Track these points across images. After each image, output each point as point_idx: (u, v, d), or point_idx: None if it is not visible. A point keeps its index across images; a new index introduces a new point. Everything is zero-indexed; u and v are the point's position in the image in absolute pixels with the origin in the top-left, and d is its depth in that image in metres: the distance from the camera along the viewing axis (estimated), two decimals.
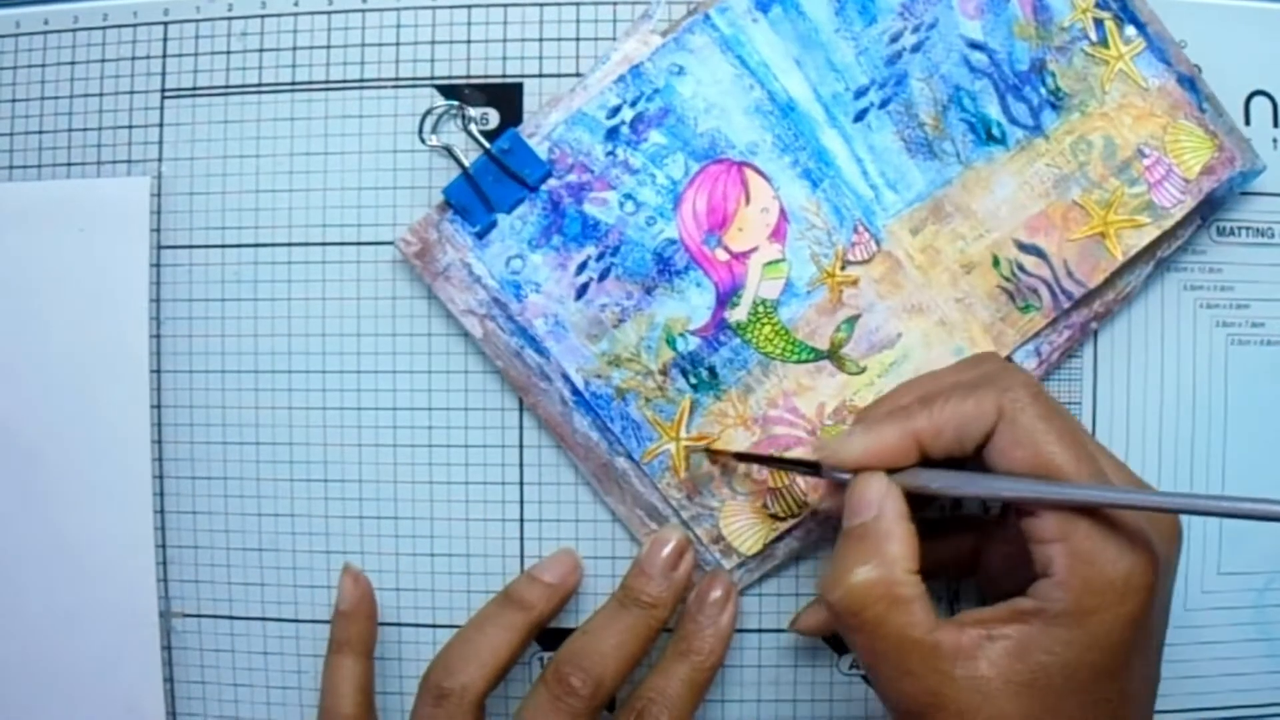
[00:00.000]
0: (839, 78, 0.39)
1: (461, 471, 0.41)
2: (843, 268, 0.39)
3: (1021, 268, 0.39)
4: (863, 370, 0.40)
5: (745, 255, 0.39)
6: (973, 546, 0.38)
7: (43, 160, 0.42)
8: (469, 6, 0.41)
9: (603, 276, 0.39)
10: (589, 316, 0.39)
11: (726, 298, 0.39)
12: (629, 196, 0.39)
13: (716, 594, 0.39)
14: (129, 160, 0.42)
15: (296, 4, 0.41)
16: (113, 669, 0.42)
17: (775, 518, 0.40)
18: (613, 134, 0.39)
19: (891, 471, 0.33)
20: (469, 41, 0.41)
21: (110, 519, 0.41)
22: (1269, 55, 0.41)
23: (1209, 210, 0.40)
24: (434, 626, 0.41)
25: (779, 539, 0.40)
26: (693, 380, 0.39)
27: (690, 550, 0.39)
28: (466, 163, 0.40)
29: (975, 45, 0.39)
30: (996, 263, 0.39)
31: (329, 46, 0.41)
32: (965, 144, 0.40)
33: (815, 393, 0.40)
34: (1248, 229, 0.41)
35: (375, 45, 0.41)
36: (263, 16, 0.41)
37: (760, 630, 0.41)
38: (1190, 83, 0.40)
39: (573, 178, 0.39)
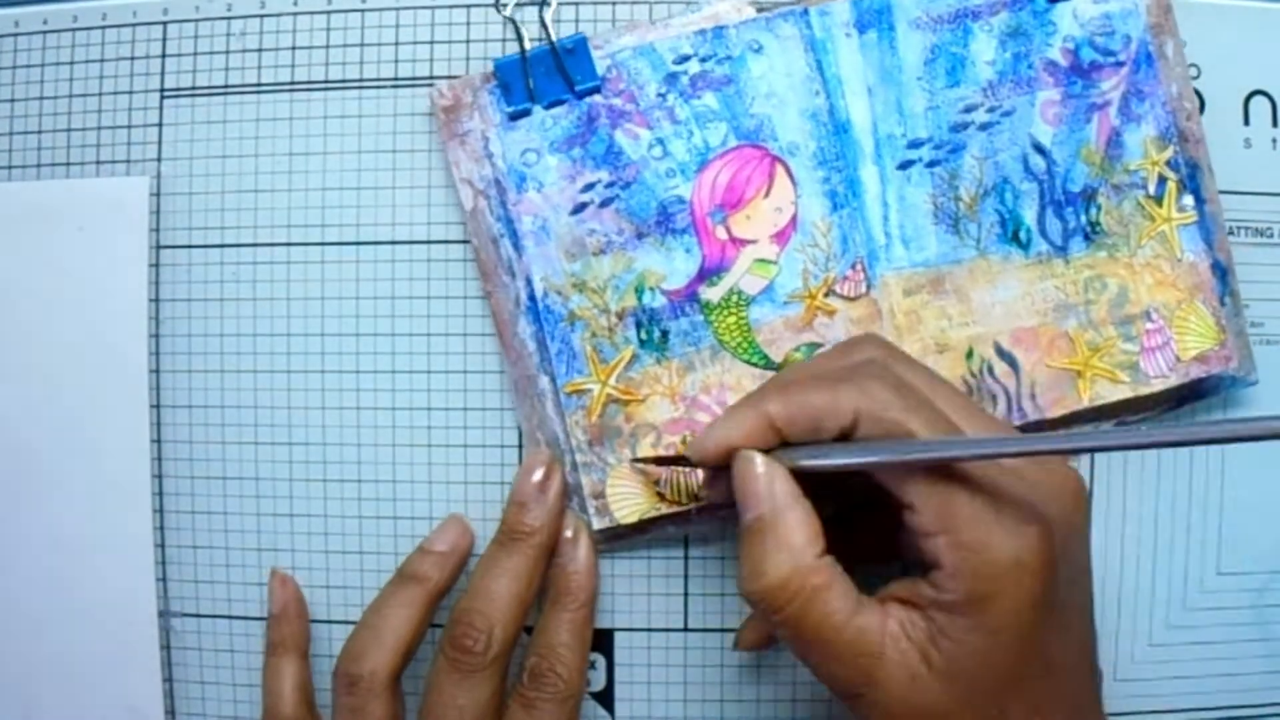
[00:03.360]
0: (901, 121, 0.39)
1: (461, 471, 0.41)
2: (826, 295, 0.39)
3: (990, 370, 0.39)
4: None
5: (742, 243, 0.39)
6: (888, 529, 0.36)
7: (41, 160, 0.42)
8: (468, 6, 0.41)
9: (604, 204, 0.39)
10: (575, 235, 0.39)
11: (708, 274, 0.39)
12: (660, 141, 0.39)
13: (568, 533, 0.39)
14: (128, 160, 0.42)
15: (296, 4, 0.41)
16: (112, 669, 0.42)
17: (661, 497, 0.39)
18: (672, 79, 0.39)
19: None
20: (468, 41, 0.41)
21: (110, 519, 0.41)
22: (1269, 55, 0.41)
23: (1189, 397, 0.40)
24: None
25: (657, 520, 0.40)
26: (643, 335, 0.39)
27: (559, 471, 0.39)
28: (528, 44, 0.39)
29: (1040, 149, 0.40)
30: (970, 355, 0.39)
31: (328, 46, 0.41)
32: (990, 234, 0.40)
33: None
34: (1248, 229, 0.41)
35: (375, 45, 0.41)
36: (262, 16, 0.41)
37: None
38: (1223, 272, 0.40)
39: (617, 102, 0.39)
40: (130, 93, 0.42)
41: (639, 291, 0.39)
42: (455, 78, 0.40)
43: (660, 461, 0.39)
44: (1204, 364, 0.39)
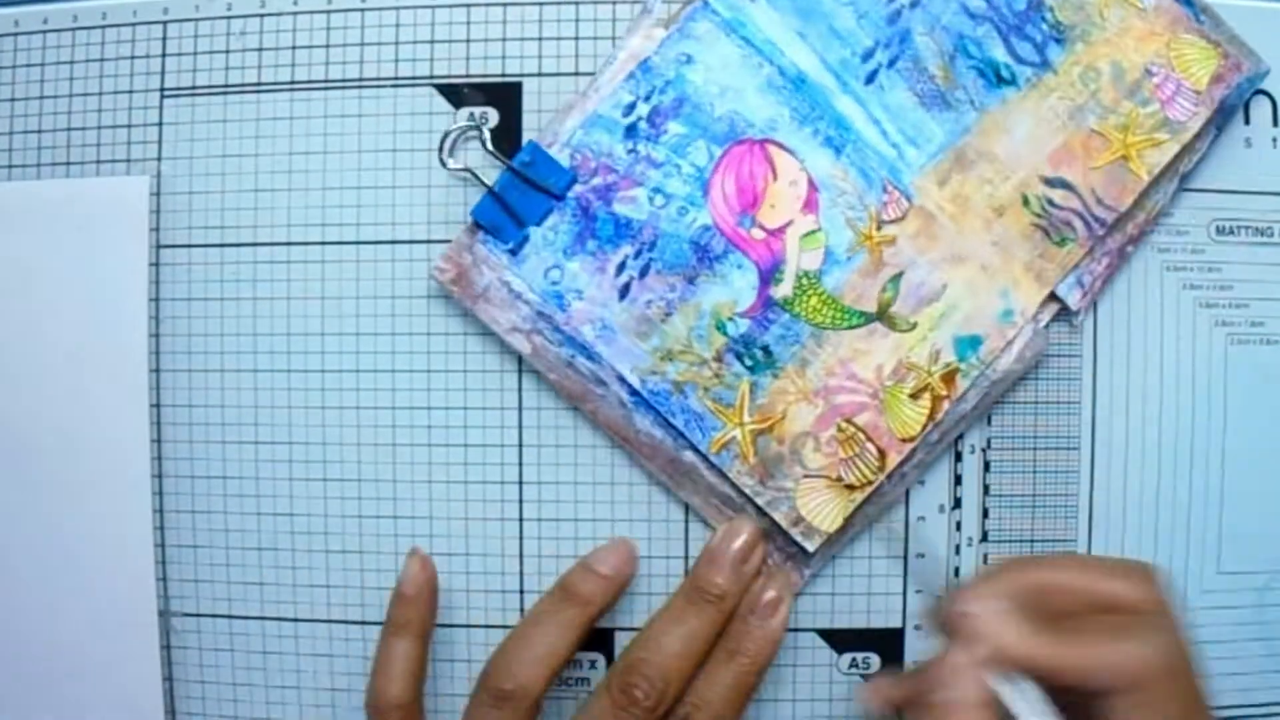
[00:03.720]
0: (844, 44, 0.40)
1: (461, 471, 0.41)
2: (879, 228, 0.40)
3: (1051, 202, 0.40)
4: (913, 326, 0.40)
5: (781, 231, 0.40)
6: None
7: (41, 160, 0.42)
8: (468, 5, 0.41)
9: (643, 273, 0.39)
10: (636, 315, 0.39)
11: (769, 275, 0.40)
12: (657, 190, 0.39)
13: (770, 595, 0.38)
14: (128, 159, 0.42)
15: (296, 3, 0.41)
16: (112, 669, 0.42)
17: (850, 488, 0.40)
18: (631, 131, 0.39)
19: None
20: (468, 40, 0.41)
21: (110, 518, 0.41)
22: (1269, 55, 0.41)
23: (1222, 119, 0.41)
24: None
25: (858, 510, 0.40)
26: (748, 362, 0.39)
27: (763, 544, 0.39)
28: (489, 181, 0.39)
29: None
30: (1026, 201, 0.40)
31: (328, 46, 0.41)
32: (977, 90, 0.40)
33: (871, 355, 0.40)
34: (1247, 228, 0.41)
35: (374, 44, 0.41)
36: (262, 15, 0.41)
37: None
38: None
39: (598, 180, 0.39)
40: (130, 92, 0.42)
41: (720, 327, 0.39)
42: (445, 242, 0.40)
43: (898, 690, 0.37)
44: (1222, 82, 0.40)
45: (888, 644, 0.41)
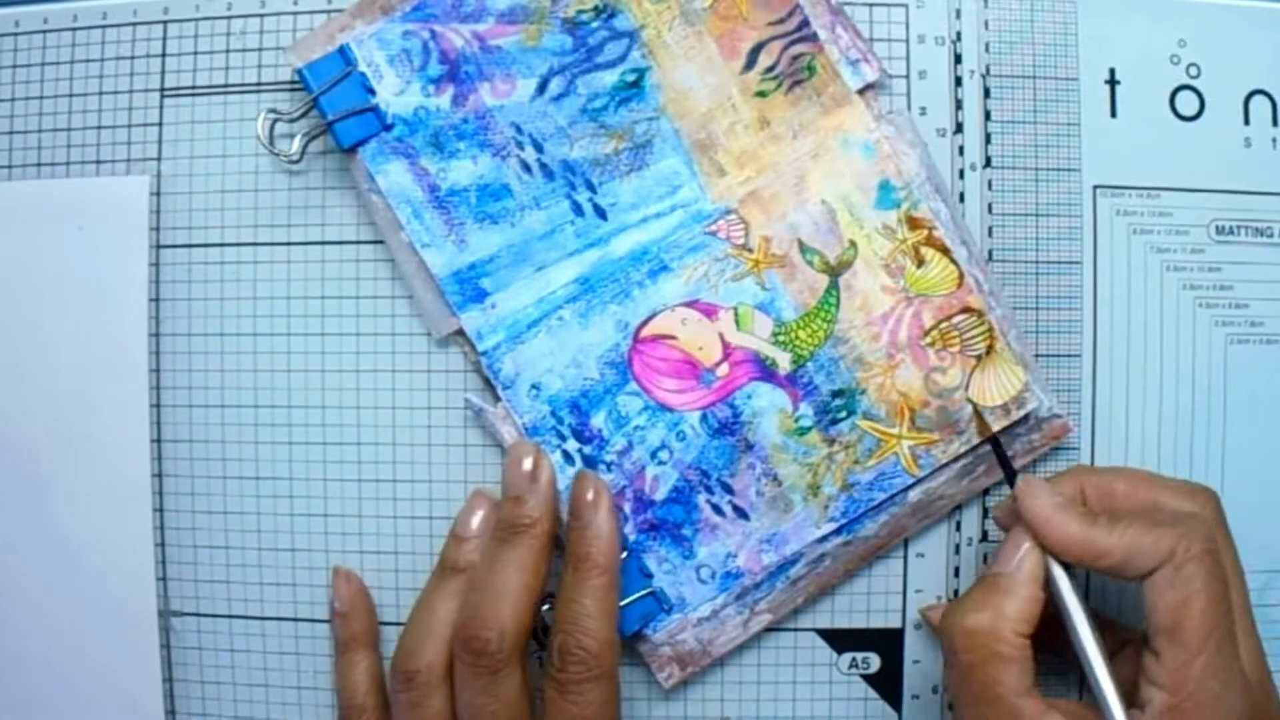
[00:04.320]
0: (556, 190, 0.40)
1: (461, 470, 0.41)
2: (745, 250, 0.40)
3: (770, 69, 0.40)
4: (853, 245, 0.40)
5: (729, 350, 0.40)
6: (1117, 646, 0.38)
7: (42, 159, 0.42)
8: None
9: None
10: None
11: (729, 398, 0.40)
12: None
13: (589, 496, 0.38)
14: (128, 159, 0.42)
15: (296, 4, 0.41)
16: (112, 669, 0.42)
17: (979, 356, 0.40)
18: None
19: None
20: None
21: (110, 518, 0.41)
22: (1269, 55, 0.41)
23: None
24: None
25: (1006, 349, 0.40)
26: (840, 414, 0.40)
27: (546, 457, 0.39)
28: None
29: None
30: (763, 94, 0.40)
31: None
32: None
33: (868, 293, 0.40)
34: (1248, 228, 0.41)
35: None
36: (262, 16, 0.41)
37: (759, 630, 0.41)
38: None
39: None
40: (130, 92, 0.42)
41: (800, 430, 0.40)
42: None
43: (997, 450, 0.39)
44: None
45: (888, 644, 0.41)
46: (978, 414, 0.39)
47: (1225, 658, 0.33)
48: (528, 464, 0.38)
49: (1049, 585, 0.35)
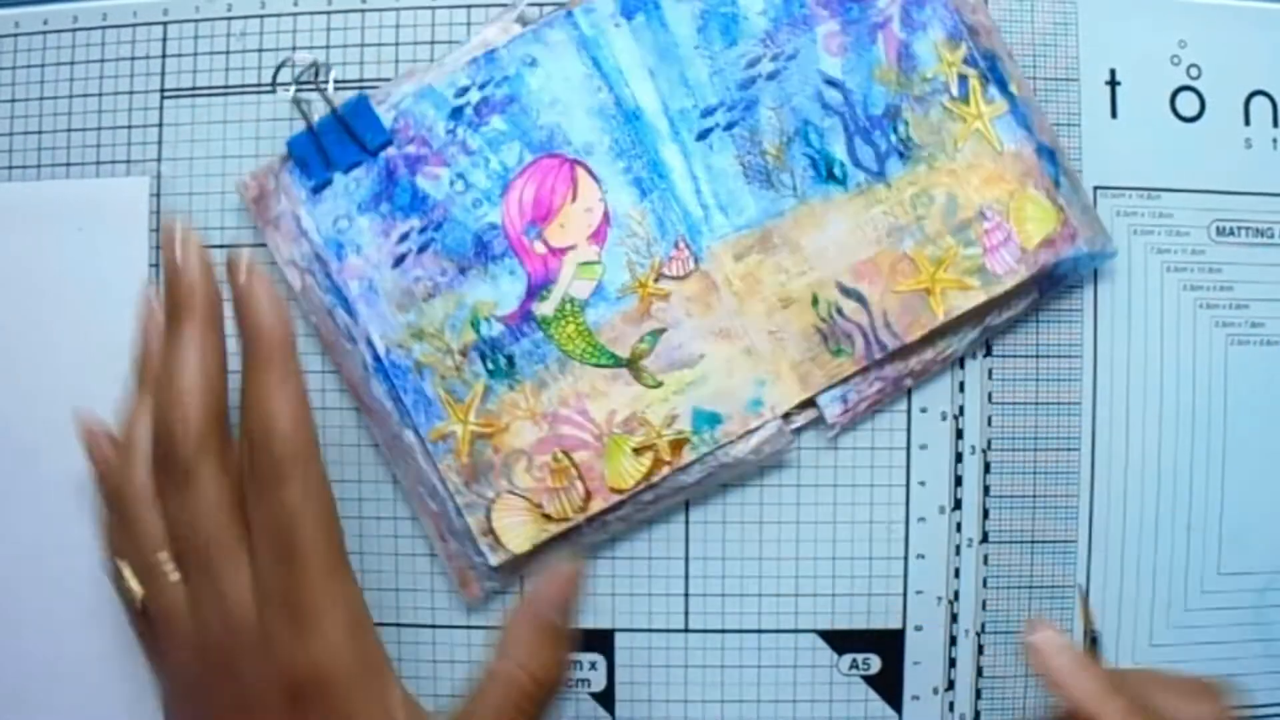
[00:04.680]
0: (689, 94, 0.39)
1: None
2: (656, 280, 0.39)
3: (840, 311, 0.39)
4: (659, 385, 0.39)
5: (562, 251, 0.39)
6: None
7: (42, 160, 0.42)
8: (468, 7, 0.41)
9: (421, 249, 0.39)
10: (402, 286, 0.39)
11: (537, 290, 0.39)
12: (460, 176, 0.39)
13: (241, 275, 0.34)
14: (128, 160, 0.42)
15: (296, 4, 0.41)
16: (111, 669, 0.41)
17: (548, 518, 0.39)
18: (457, 113, 0.39)
19: None
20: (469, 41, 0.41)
21: None
22: (1269, 55, 0.41)
23: (1049, 285, 0.40)
24: (433, 627, 0.41)
25: (550, 541, 0.39)
26: (490, 366, 0.39)
27: (193, 234, 0.34)
28: (314, 118, 0.40)
29: (832, 82, 0.39)
30: (815, 302, 0.39)
31: (328, 47, 0.41)
32: (804, 179, 0.39)
33: (608, 399, 0.39)
34: (1247, 229, 0.41)
35: (374, 45, 0.41)
36: (262, 17, 0.41)
37: (760, 631, 0.41)
38: (1050, 154, 0.39)
39: (411, 149, 0.39)
40: (130, 93, 0.42)
41: (475, 324, 0.39)
42: (254, 171, 0.40)
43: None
44: (1051, 248, 0.39)
45: (888, 645, 0.41)
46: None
47: None
48: (177, 239, 0.34)
49: None
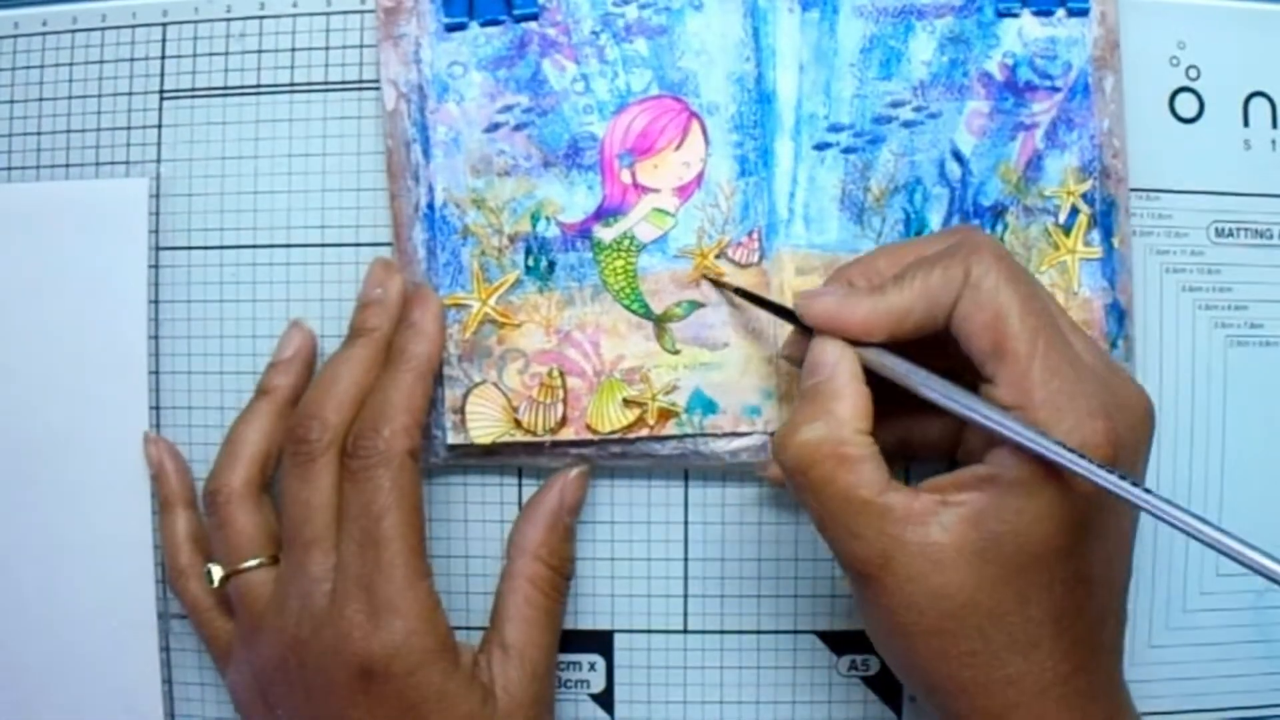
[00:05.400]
0: (826, 103, 0.39)
1: (459, 470, 0.41)
2: (718, 256, 0.39)
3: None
4: (676, 352, 0.39)
5: (645, 190, 0.40)
6: (956, 425, 0.36)
7: (41, 161, 0.42)
8: None
9: (517, 127, 0.40)
10: (484, 153, 0.40)
11: (605, 214, 0.40)
12: (585, 78, 0.40)
13: (421, 300, 0.39)
14: (127, 161, 0.42)
15: (295, 4, 0.41)
16: (111, 670, 0.42)
17: (518, 424, 0.39)
18: (608, 19, 0.39)
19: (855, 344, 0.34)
20: None
21: (110, 519, 0.41)
22: (1268, 56, 0.41)
23: None
24: None
25: (509, 446, 0.40)
26: (530, 262, 0.40)
27: (399, 274, 0.39)
28: None
29: (958, 157, 0.39)
30: None
31: (328, 48, 0.41)
32: (892, 230, 0.40)
33: (623, 343, 0.39)
34: (1247, 229, 0.41)
35: (374, 46, 0.41)
36: (261, 18, 0.41)
37: (759, 631, 0.41)
38: (1120, 314, 0.40)
39: (551, 32, 0.40)
40: (130, 94, 0.42)
41: (535, 219, 0.40)
42: None
43: (749, 297, 0.38)
44: None
45: None
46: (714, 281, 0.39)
47: (1060, 352, 0.31)
48: (381, 276, 0.39)
49: (871, 375, 0.33)
